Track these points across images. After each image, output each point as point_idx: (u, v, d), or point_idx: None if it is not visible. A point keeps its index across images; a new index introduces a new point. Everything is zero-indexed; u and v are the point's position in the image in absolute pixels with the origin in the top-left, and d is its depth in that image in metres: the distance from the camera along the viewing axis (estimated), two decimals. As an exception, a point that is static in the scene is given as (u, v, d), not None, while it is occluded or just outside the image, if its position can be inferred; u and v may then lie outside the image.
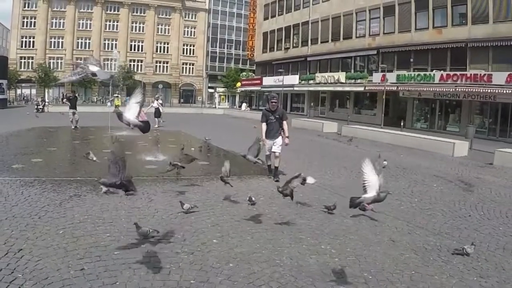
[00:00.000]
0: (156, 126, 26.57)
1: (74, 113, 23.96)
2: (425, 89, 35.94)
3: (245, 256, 5.81)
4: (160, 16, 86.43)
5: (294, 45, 58.25)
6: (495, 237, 7.24)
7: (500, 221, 8.35)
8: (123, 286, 4.75)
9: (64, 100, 39.51)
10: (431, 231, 7.39)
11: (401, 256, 6.11)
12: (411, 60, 39.03)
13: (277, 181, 10.78)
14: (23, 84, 74.28)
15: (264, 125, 11.46)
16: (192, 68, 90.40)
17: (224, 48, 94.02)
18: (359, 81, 44.88)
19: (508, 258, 6.31)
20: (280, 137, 11.47)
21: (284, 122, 11.56)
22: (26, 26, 77.57)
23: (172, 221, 7.17)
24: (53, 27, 78.85)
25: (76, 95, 27.83)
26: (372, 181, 6.48)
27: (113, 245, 5.89)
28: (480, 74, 31.39)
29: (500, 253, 6.51)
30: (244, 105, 64.03)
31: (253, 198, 8.39)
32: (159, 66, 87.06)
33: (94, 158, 10.36)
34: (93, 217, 7.15)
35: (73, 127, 23.65)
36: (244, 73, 78.20)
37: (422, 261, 5.97)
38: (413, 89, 37.01)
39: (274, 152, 11.43)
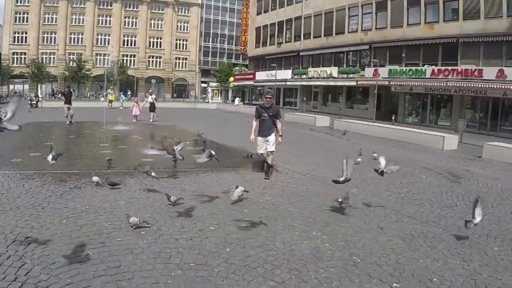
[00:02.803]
0: (151, 120, 26.83)
1: (69, 108, 24.16)
2: (416, 84, 36.26)
3: (240, 241, 6.12)
4: (153, 11, 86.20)
5: (287, 40, 58.43)
6: (479, 225, 7.50)
7: (485, 211, 8.64)
8: (127, 269, 5.04)
9: (59, 95, 39.65)
10: (418, 220, 7.72)
11: (389, 242, 6.43)
12: (403, 55, 39.35)
13: (266, 178, 10.32)
14: (16, 80, 74.08)
15: (254, 122, 11.11)
16: (185, 63, 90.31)
17: (217, 43, 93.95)
18: (351, 75, 45.11)
19: (491, 244, 6.64)
20: (273, 135, 10.96)
21: (278, 121, 11.05)
22: (19, 21, 77.18)
23: (170, 210, 7.46)
24: (46, 23, 78.47)
25: (71, 90, 28.00)
26: None
27: (115, 233, 6.18)
28: (471, 69, 31.70)
29: (484, 240, 6.85)
30: (237, 99, 64.30)
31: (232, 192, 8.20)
32: (152, 61, 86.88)
33: (51, 162, 10.01)
34: (94, 207, 7.44)
35: (67, 122, 23.84)
36: (237, 68, 78.32)
37: (409, 247, 6.29)
38: (405, 83, 37.32)
39: (268, 150, 10.95)
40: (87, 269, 4.96)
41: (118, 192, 8.41)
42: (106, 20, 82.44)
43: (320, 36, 51.27)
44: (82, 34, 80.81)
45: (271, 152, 11.00)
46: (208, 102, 70.03)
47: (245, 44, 73.18)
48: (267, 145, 10.91)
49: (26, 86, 74.29)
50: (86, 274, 4.83)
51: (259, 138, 10.95)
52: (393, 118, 34.94)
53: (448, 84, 32.92)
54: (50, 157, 9.89)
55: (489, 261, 5.93)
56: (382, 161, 9.07)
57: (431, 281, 5.14)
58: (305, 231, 6.77)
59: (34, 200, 7.76)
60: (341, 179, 8.32)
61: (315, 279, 5.05)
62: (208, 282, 4.83)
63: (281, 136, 11.12)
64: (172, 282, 4.79)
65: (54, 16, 78.82)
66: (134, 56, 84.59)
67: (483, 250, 6.36)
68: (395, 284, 5.01)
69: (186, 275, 4.98)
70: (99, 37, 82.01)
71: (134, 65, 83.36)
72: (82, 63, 74.68)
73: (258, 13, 65.54)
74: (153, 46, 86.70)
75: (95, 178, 8.91)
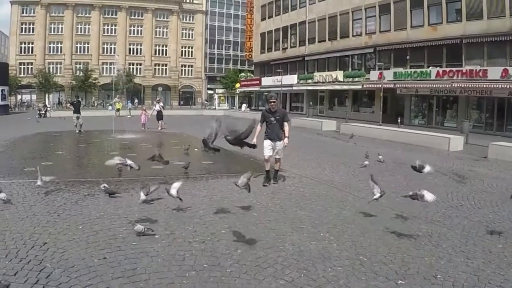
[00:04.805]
0: (159, 128, 27.09)
1: (78, 118, 24.46)
2: (422, 86, 36.36)
3: (251, 243, 6.34)
4: (158, 19, 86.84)
5: (292, 45, 58.70)
6: (484, 224, 7.70)
7: (490, 210, 8.81)
8: (143, 270, 5.27)
9: (68, 104, 40.07)
10: (424, 220, 7.88)
11: (395, 242, 6.61)
12: (408, 57, 39.50)
13: (275, 183, 10.68)
14: (23, 90, 74.75)
15: (259, 126, 10.80)
16: (191, 70, 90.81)
17: (222, 49, 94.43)
18: (356, 79, 45.20)
19: (495, 242, 6.76)
20: (281, 142, 10.67)
21: (285, 123, 10.79)
22: (25, 32, 78.09)
23: (182, 215, 7.71)
24: (52, 33, 79.31)
25: (80, 99, 28.36)
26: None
27: (130, 237, 6.41)
28: (476, 70, 31.78)
29: (488, 238, 6.97)
30: (244, 105, 64.47)
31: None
32: (158, 68, 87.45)
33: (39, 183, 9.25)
34: (108, 214, 7.68)
35: (77, 131, 24.15)
36: (243, 74, 78.57)
37: (414, 246, 6.46)
38: (410, 86, 37.48)
39: (276, 157, 10.82)
40: (105, 272, 5.19)
41: (131, 199, 8.63)
42: (111, 29, 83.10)
43: (324, 41, 51.53)
44: (88, 43, 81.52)
45: (278, 159, 10.90)
46: (215, 108, 70.29)
47: (250, 50, 73.57)
48: (275, 151, 10.72)
49: (34, 96, 74.89)
50: (104, 276, 5.06)
51: (267, 141, 10.72)
52: (399, 120, 35.00)
53: (453, 85, 32.97)
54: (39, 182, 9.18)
55: (492, 258, 6.07)
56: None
57: (435, 278, 5.31)
58: (313, 232, 6.98)
59: (50, 208, 8.00)
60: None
61: (323, 278, 5.25)
62: (221, 282, 5.04)
63: (287, 137, 10.77)
64: (187, 282, 5.01)
65: (60, 26, 79.65)
66: (140, 64, 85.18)
67: (487, 248, 6.48)
68: (400, 281, 5.19)
69: (200, 275, 5.20)
70: (105, 46, 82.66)
71: (140, 73, 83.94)
72: (88, 72, 75.15)
73: (263, 19, 65.87)
74: (158, 54, 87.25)
75: (103, 186, 9.09)
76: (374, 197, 7.59)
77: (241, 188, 7.86)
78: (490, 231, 7.22)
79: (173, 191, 7.75)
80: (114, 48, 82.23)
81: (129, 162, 9.04)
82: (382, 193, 7.65)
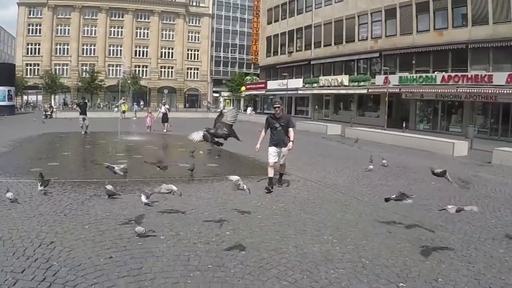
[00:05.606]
0: (165, 130, 27.18)
1: (84, 119, 24.59)
2: (427, 91, 36.44)
3: (255, 245, 6.41)
4: (164, 21, 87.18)
5: (298, 48, 58.85)
6: (486, 229, 7.75)
7: (492, 215, 8.85)
8: (149, 270, 5.36)
9: (74, 106, 40.22)
10: (427, 224, 7.92)
11: (397, 245, 6.66)
12: (413, 62, 39.51)
13: (279, 186, 10.74)
14: (30, 91, 75.18)
15: (263, 133, 10.80)
16: (197, 73, 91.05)
17: (228, 52, 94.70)
18: (362, 83, 45.30)
19: (497, 247, 6.81)
20: (286, 148, 10.49)
21: (291, 129, 10.54)
22: (32, 33, 78.66)
23: (187, 217, 7.79)
24: (59, 34, 79.90)
25: (86, 101, 28.52)
26: None
27: (136, 237, 6.49)
28: (481, 75, 31.83)
29: (490, 243, 7.02)
30: (249, 109, 64.56)
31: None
32: (164, 71, 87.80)
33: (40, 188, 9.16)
34: (114, 214, 7.76)
35: (83, 132, 24.28)
36: (249, 77, 78.81)
37: (416, 249, 6.50)
38: (415, 90, 37.53)
39: (280, 162, 10.74)
40: (111, 270, 5.28)
41: (136, 200, 8.68)
42: (118, 31, 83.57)
43: (330, 45, 51.66)
44: (94, 45, 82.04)
45: (282, 164, 10.85)
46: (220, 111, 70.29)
47: (256, 53, 73.75)
48: (279, 156, 10.59)
49: (40, 97, 75.28)
50: (110, 275, 5.15)
51: (273, 148, 10.50)
52: (404, 125, 34.98)
53: (459, 90, 33.04)
54: (39, 186, 9.11)
55: (493, 262, 6.12)
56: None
57: (436, 281, 5.36)
58: (316, 235, 7.04)
59: (57, 207, 8.09)
60: None
61: (325, 279, 5.32)
62: (225, 282, 5.12)
63: (292, 142, 10.48)
64: (192, 282, 5.09)
65: (67, 27, 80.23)
66: (146, 66, 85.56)
67: (488, 252, 6.53)
68: (401, 284, 5.25)
69: (204, 275, 5.27)
70: (111, 48, 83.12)
71: (146, 75, 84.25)
72: (95, 74, 75.43)
73: (269, 23, 66.03)
74: (165, 57, 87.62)
75: (108, 187, 9.17)
76: (447, 208, 6.96)
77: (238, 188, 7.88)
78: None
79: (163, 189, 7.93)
80: (121, 50, 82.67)
81: (116, 168, 9.17)
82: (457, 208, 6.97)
